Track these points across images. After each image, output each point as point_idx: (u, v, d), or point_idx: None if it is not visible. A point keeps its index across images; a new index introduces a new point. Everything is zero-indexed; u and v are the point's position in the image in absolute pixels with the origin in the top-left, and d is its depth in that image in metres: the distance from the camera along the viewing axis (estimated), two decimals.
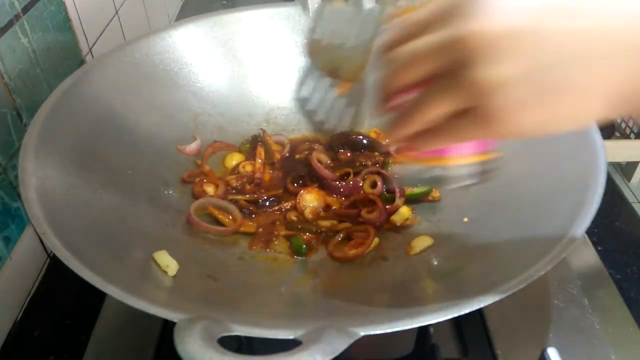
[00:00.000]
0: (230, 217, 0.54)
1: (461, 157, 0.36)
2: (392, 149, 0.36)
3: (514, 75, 0.25)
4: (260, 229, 0.53)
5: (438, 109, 0.28)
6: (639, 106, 0.26)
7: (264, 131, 0.63)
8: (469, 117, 0.27)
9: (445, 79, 0.27)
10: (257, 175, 0.58)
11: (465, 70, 0.26)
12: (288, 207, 0.56)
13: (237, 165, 0.60)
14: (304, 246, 0.51)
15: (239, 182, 0.58)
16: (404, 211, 0.54)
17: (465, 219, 0.51)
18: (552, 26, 0.25)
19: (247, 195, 0.56)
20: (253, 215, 0.55)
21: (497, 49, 0.25)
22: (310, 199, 0.55)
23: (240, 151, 0.62)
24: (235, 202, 0.55)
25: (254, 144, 0.62)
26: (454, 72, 0.26)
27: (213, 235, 0.52)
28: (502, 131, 0.27)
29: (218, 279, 0.47)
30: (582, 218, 0.40)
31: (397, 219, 0.53)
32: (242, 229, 0.53)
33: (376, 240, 0.51)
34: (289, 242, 0.52)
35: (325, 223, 0.53)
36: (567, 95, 0.25)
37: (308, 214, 0.54)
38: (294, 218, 0.54)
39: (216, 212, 0.54)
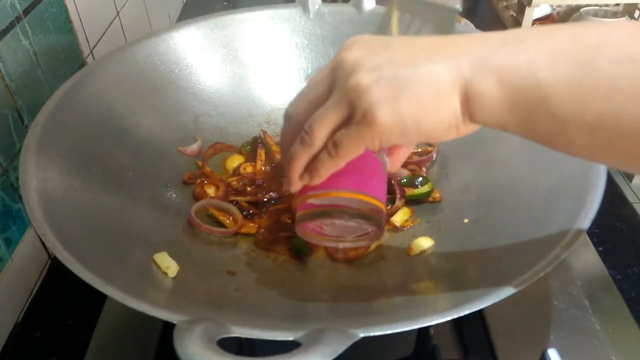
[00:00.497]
0: (231, 219, 0.54)
1: (349, 193, 0.39)
2: (292, 190, 0.39)
3: (373, 79, 0.30)
4: (262, 230, 0.53)
5: (327, 120, 0.33)
6: (481, 113, 0.30)
7: (264, 132, 0.63)
8: (351, 122, 0.32)
9: (330, 96, 0.33)
10: (258, 176, 0.58)
11: (341, 84, 0.32)
12: (282, 208, 0.55)
13: (238, 167, 0.60)
14: (305, 247, 0.51)
15: (240, 183, 0.58)
16: (404, 212, 0.54)
17: (466, 220, 0.51)
18: (394, 50, 0.32)
19: (248, 197, 0.56)
20: (254, 217, 0.55)
21: (360, 64, 0.31)
22: None
23: (240, 153, 0.62)
24: (236, 203, 0.55)
25: (254, 146, 0.62)
26: (335, 88, 0.33)
27: (214, 236, 0.52)
28: (379, 129, 0.31)
29: (236, 273, 0.48)
30: (582, 219, 0.40)
31: (397, 220, 0.53)
32: (242, 230, 0.53)
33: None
34: (289, 243, 0.52)
35: None
36: (417, 90, 0.30)
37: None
38: (288, 220, 0.54)
39: (217, 214, 0.54)
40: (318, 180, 0.36)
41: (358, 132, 0.31)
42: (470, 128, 0.32)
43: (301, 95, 0.36)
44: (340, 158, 0.34)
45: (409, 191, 0.55)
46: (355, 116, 0.31)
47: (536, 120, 0.29)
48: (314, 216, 0.40)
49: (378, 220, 0.40)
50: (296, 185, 0.38)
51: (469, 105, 0.30)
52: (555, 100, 0.28)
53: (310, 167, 0.36)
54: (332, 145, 0.33)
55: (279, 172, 0.59)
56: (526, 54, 0.29)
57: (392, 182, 0.55)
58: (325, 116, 0.33)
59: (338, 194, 0.39)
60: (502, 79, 0.29)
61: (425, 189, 0.55)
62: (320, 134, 0.33)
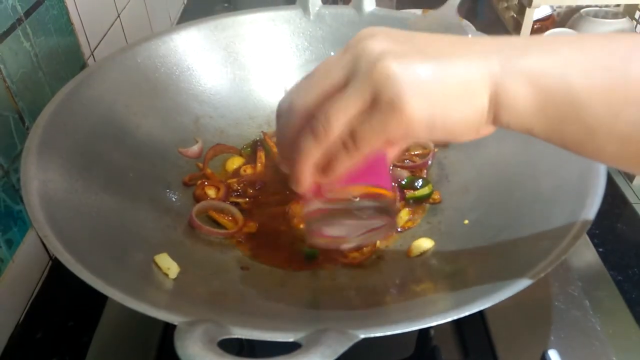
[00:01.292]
0: (232, 220, 0.54)
1: (359, 187, 0.36)
2: (301, 190, 0.35)
3: (403, 65, 0.28)
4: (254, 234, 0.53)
5: (346, 109, 0.30)
6: (510, 115, 0.29)
7: (264, 134, 0.63)
8: (374, 111, 0.29)
9: (348, 85, 0.30)
10: (258, 178, 0.58)
11: (364, 71, 0.29)
12: (277, 213, 0.55)
13: (238, 168, 0.60)
14: (315, 250, 0.50)
15: (241, 185, 0.58)
16: (403, 214, 0.54)
17: (466, 221, 0.51)
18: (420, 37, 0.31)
19: (247, 199, 0.56)
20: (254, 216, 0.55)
21: (386, 52, 0.29)
22: (299, 210, 0.54)
23: (241, 155, 0.62)
24: (236, 204, 0.56)
25: (254, 148, 0.62)
26: (355, 75, 0.30)
27: (214, 238, 0.52)
28: (407, 119, 0.29)
29: (250, 268, 0.48)
30: (582, 219, 0.40)
31: (398, 221, 0.53)
32: (244, 229, 0.53)
33: (377, 242, 0.51)
34: (285, 252, 0.51)
35: None
36: (449, 83, 0.29)
37: (296, 223, 0.53)
38: (284, 228, 0.53)
39: (217, 216, 0.54)
40: (333, 178, 0.33)
41: (382, 122, 0.29)
42: (488, 130, 0.31)
43: (308, 84, 0.32)
44: (358, 152, 0.31)
45: (409, 193, 0.55)
46: (380, 103, 0.29)
47: (566, 126, 0.28)
48: (331, 217, 0.37)
49: (394, 212, 0.38)
50: (306, 185, 0.34)
51: (497, 105, 0.29)
52: (586, 107, 0.27)
53: (324, 164, 0.33)
54: (350, 137, 0.30)
55: (279, 173, 0.60)
56: (557, 58, 0.28)
57: (393, 184, 0.55)
58: (344, 104, 0.30)
59: (355, 189, 0.36)
60: (533, 81, 0.28)
61: (425, 190, 0.55)
62: (338, 124, 0.30)
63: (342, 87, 0.30)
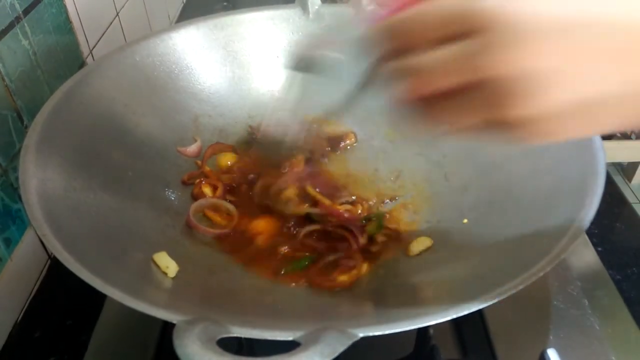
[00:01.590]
0: (227, 217, 0.54)
1: None
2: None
3: (556, 108, 0.24)
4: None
5: (468, 122, 0.26)
6: None
7: (251, 127, 0.63)
8: (503, 129, 0.25)
9: (478, 100, 0.25)
10: (251, 169, 0.59)
11: (502, 101, 0.24)
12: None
13: (232, 165, 0.60)
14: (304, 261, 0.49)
15: (235, 182, 0.58)
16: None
17: (465, 220, 0.51)
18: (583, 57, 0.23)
19: (241, 197, 0.57)
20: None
21: (539, 84, 0.23)
22: (262, 226, 0.53)
23: (237, 152, 0.62)
24: (233, 201, 0.56)
25: (250, 145, 0.62)
26: (488, 98, 0.24)
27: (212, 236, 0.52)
28: (531, 142, 0.26)
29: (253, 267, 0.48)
30: (581, 219, 0.40)
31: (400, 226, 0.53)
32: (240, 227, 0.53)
33: (365, 266, 0.49)
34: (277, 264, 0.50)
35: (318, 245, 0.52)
36: (598, 115, 0.25)
37: (259, 241, 0.52)
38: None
39: (213, 215, 0.54)
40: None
41: (508, 139, 0.26)
42: None
43: (428, 66, 0.26)
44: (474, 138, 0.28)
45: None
46: (512, 129, 0.25)
47: None
48: None
49: None
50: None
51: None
52: None
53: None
54: (473, 131, 0.27)
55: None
56: None
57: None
58: (472, 116, 0.26)
59: None
60: None
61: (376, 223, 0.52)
62: (461, 125, 0.27)
63: (468, 89, 0.25)
